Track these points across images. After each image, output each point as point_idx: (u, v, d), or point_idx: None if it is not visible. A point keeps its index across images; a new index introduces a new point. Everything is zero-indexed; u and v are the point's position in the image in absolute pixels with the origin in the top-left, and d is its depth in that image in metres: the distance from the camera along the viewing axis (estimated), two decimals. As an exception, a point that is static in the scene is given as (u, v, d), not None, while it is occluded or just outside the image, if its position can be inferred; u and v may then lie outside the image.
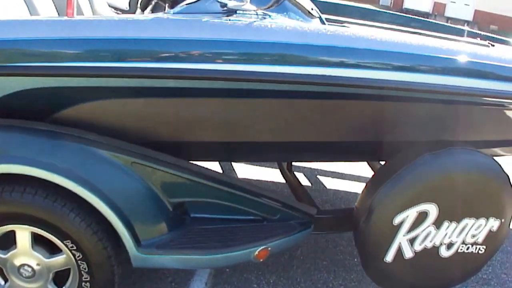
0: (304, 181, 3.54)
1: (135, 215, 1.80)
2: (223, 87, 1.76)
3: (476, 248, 2.04)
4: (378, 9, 3.83)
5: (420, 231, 1.91)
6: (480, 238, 2.02)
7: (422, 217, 1.88)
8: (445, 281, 2.09)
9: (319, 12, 2.15)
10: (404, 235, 1.90)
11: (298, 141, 1.96)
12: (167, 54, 1.68)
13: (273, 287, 2.38)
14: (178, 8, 1.86)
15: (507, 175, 1.99)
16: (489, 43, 3.33)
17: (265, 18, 1.85)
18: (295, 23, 1.86)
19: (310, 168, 3.74)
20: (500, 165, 1.98)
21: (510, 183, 1.99)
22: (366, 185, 1.99)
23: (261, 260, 1.95)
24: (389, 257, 1.94)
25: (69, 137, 1.76)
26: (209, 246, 1.89)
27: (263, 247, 1.92)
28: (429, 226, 1.91)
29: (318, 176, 3.59)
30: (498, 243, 2.07)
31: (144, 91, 1.77)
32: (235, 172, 3.45)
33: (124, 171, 1.81)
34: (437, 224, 1.92)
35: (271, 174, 3.48)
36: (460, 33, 3.55)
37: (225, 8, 1.82)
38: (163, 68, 1.67)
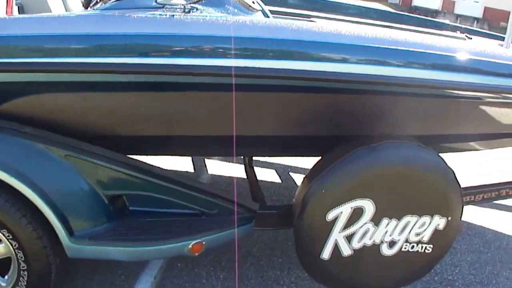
0: (275, 177, 3.50)
1: (68, 207, 1.82)
2: (147, 80, 1.75)
3: (422, 247, 1.94)
4: (364, 5, 3.75)
5: (357, 228, 1.83)
6: (426, 236, 1.92)
7: (357, 213, 1.81)
8: (390, 281, 2.00)
9: (262, 5, 2.10)
10: (339, 232, 1.83)
11: (230, 135, 1.92)
12: (91, 50, 1.70)
13: (222, 283, 2.35)
14: (107, 4, 1.87)
15: (452, 171, 1.89)
16: (466, 36, 3.22)
17: (192, 11, 1.83)
18: (221, 16, 1.84)
19: (284, 165, 3.69)
20: (444, 161, 1.89)
21: (455, 179, 1.89)
22: (303, 180, 1.92)
23: (196, 254, 1.93)
24: (326, 254, 1.87)
25: (3, 130, 1.80)
26: (142, 239, 1.89)
27: (197, 241, 1.89)
28: (366, 223, 1.83)
29: (290, 173, 3.53)
30: (446, 242, 1.97)
31: (74, 85, 1.79)
32: (206, 167, 3.44)
33: (57, 163, 1.84)
34: (376, 221, 1.84)
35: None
36: (440, 26, 3.45)
37: (154, 3, 1.82)
38: (88, 63, 1.69)
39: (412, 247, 1.93)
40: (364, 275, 1.95)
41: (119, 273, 2.34)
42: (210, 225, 1.97)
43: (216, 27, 1.73)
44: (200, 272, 2.39)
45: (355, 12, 3.43)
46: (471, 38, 3.25)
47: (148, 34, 1.71)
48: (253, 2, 2.06)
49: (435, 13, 15.25)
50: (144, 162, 2.04)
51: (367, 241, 1.87)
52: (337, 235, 1.84)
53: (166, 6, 1.82)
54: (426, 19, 3.65)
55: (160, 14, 1.77)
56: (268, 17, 2.10)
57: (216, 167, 3.49)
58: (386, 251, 1.91)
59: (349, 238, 1.86)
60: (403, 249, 1.92)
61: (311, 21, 2.75)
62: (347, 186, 1.76)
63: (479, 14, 18.43)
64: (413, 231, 1.89)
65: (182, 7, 1.82)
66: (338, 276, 1.92)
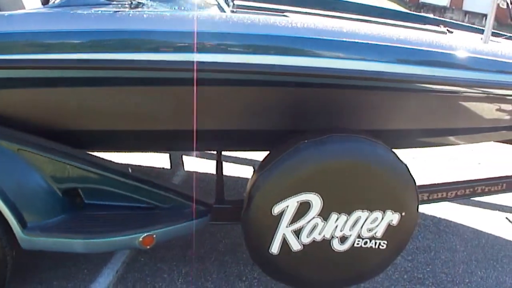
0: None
1: (21, 199, 1.85)
2: (92, 76, 1.76)
3: (375, 243, 1.90)
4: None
5: (305, 222, 1.81)
6: (379, 232, 1.88)
7: (304, 207, 1.78)
8: (344, 277, 1.96)
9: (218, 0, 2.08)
10: (287, 226, 1.81)
11: (176, 129, 1.91)
12: (38, 46, 1.71)
13: (184, 277, 2.34)
14: (58, 1, 1.88)
15: (404, 166, 1.84)
16: (447, 29, 3.15)
17: (139, 7, 1.83)
18: (168, 11, 1.84)
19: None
20: (395, 155, 1.84)
21: (408, 174, 1.84)
22: (252, 174, 1.90)
23: (148, 247, 1.94)
24: (275, 249, 1.85)
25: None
26: (94, 231, 1.91)
27: (147, 234, 1.90)
28: (314, 217, 1.81)
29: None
30: (402, 238, 1.93)
31: (21, 81, 1.81)
32: (182, 164, 3.43)
33: (10, 157, 1.87)
34: (324, 215, 1.81)
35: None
36: (424, 20, 3.38)
37: (102, 0, 1.83)
38: (34, 59, 1.71)
39: (365, 243, 1.89)
40: (317, 271, 1.91)
41: (83, 267, 2.36)
42: (161, 219, 1.97)
43: (158, 22, 1.72)
44: (162, 267, 2.39)
45: (337, 7, 3.39)
46: (452, 32, 3.18)
47: (91, 30, 1.71)
48: None
49: (443, 9, 15.01)
50: (97, 156, 2.05)
51: (317, 236, 1.84)
52: (284, 230, 1.81)
53: (114, 2, 1.83)
54: (409, 13, 3.59)
55: (105, 11, 1.77)
56: (224, 11, 2.08)
57: (194, 163, 3.49)
58: (337, 246, 1.88)
59: (297, 233, 1.83)
60: (355, 245, 1.89)
61: (284, 15, 2.73)
62: (291, 180, 1.74)
63: (487, 10, 18.16)
64: (365, 226, 1.86)
65: (130, 2, 1.83)
66: (289, 271, 1.90)
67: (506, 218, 3.21)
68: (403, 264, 2.60)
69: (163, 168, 3.32)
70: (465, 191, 2.53)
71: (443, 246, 2.81)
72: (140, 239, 1.89)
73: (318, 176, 1.74)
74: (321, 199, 1.76)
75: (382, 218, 1.84)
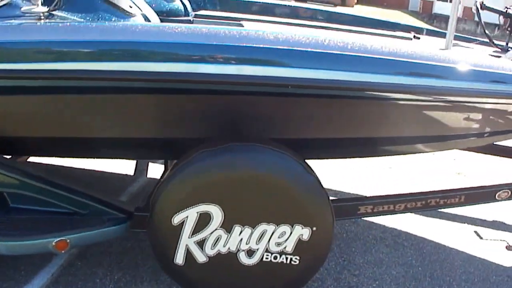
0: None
1: None
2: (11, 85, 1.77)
3: (287, 258, 1.83)
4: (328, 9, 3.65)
5: (208, 234, 1.76)
6: (289, 247, 1.81)
7: (205, 218, 1.74)
8: (258, 291, 1.90)
9: (141, 9, 2.06)
10: (189, 237, 1.77)
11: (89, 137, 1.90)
12: None
13: (116, 283, 2.34)
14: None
15: (314, 178, 1.75)
16: (414, 36, 3.04)
17: (50, 18, 1.85)
18: (79, 22, 1.85)
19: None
20: (303, 167, 1.75)
21: (319, 187, 1.75)
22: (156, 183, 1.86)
23: (62, 251, 1.98)
24: (179, 259, 1.82)
25: None
26: (14, 234, 1.96)
27: (61, 238, 1.92)
28: (216, 229, 1.76)
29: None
30: (316, 254, 1.85)
31: None
32: (146, 170, 3.42)
33: None
34: (227, 228, 1.76)
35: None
36: (393, 27, 3.28)
37: (18, 12, 1.85)
38: None
39: (275, 257, 1.82)
40: (226, 284, 1.86)
41: (21, 268, 2.40)
42: (77, 224, 1.98)
43: (64, 31, 1.73)
44: (96, 272, 2.40)
45: (308, 16, 3.32)
46: (418, 38, 3.06)
47: (14, 41, 1.70)
48: (130, 7, 2.05)
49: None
50: (17, 161, 2.09)
51: (222, 249, 1.80)
52: (187, 240, 1.77)
53: (28, 14, 1.85)
54: (379, 20, 3.48)
55: (14, 22, 1.79)
56: (149, 20, 2.06)
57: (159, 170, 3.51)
58: (245, 260, 1.82)
59: (201, 244, 1.79)
60: (264, 259, 1.82)
61: (239, 24, 2.69)
62: (189, 190, 1.70)
63: (501, 21, 17.68)
64: (273, 240, 1.79)
65: (43, 14, 1.84)
66: (197, 282, 1.86)
67: (475, 231, 3.04)
68: (348, 278, 2.49)
69: (126, 174, 3.34)
70: (415, 204, 2.39)
71: (397, 261, 2.67)
72: (54, 243, 1.91)
73: (216, 187, 1.69)
74: (222, 210, 1.71)
75: (291, 233, 1.77)
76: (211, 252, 1.79)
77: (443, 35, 3.41)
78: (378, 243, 2.81)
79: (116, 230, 1.98)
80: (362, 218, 2.76)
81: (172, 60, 1.67)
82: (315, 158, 2.38)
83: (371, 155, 2.39)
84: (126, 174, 3.36)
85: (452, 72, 2.05)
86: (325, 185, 3.69)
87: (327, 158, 2.54)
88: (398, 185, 3.60)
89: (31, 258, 2.49)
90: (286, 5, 3.52)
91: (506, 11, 3.15)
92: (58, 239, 1.91)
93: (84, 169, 3.28)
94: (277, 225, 1.76)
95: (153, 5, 2.73)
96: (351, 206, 2.30)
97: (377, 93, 1.94)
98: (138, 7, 2.09)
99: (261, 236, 1.78)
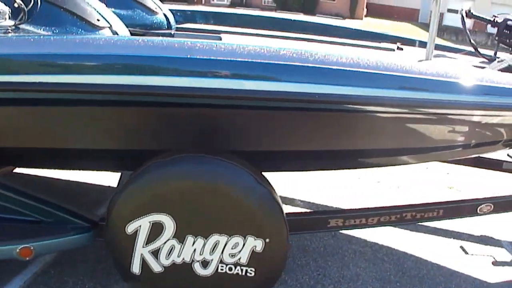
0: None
1: None
2: None
3: (242, 269, 1.82)
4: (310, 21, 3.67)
5: (161, 243, 1.77)
6: (243, 258, 1.80)
7: (157, 228, 1.74)
8: (216, 303, 1.87)
9: (109, 22, 2.11)
10: (144, 247, 1.78)
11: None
12: None
13: (85, 292, 2.36)
14: None
15: (266, 190, 1.75)
16: (398, 47, 3.03)
17: (17, 32, 1.91)
18: (39, 34, 1.91)
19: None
20: (256, 178, 1.75)
21: (271, 199, 1.75)
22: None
23: (27, 258, 2.00)
24: (136, 268, 1.83)
25: None
26: None
27: (24, 246, 1.95)
28: (169, 239, 1.76)
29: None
30: (271, 266, 1.82)
31: None
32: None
33: None
34: (179, 238, 1.77)
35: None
36: (381, 38, 3.27)
37: None
38: None
39: (230, 269, 1.81)
40: (184, 294, 1.85)
41: (-5, 275, 2.46)
42: (41, 232, 2.01)
43: (26, 44, 1.76)
44: (68, 280, 2.42)
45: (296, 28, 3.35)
46: (402, 49, 3.03)
47: None
48: (98, 20, 2.10)
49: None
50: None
51: (176, 259, 1.80)
52: (142, 250, 1.78)
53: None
54: (365, 31, 3.48)
55: None
56: (117, 34, 2.11)
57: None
58: (200, 270, 1.81)
59: (155, 254, 1.79)
60: (219, 270, 1.81)
61: (218, 37, 2.73)
62: (140, 200, 1.72)
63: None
64: (226, 251, 1.78)
65: (10, 28, 1.90)
66: (153, 292, 1.85)
67: (461, 247, 2.94)
68: (321, 293, 2.46)
69: (109, 186, 3.38)
70: (390, 218, 2.34)
71: (374, 276, 2.61)
72: (18, 250, 1.94)
73: (166, 197, 1.70)
74: (174, 221, 1.72)
75: (244, 244, 1.76)
76: (166, 262, 1.80)
77: (438, 47, 3.39)
78: (356, 257, 2.75)
79: (81, 239, 2.00)
80: (333, 231, 2.71)
81: (123, 73, 1.69)
82: (282, 170, 2.37)
83: (342, 168, 2.35)
84: (109, 186, 3.41)
85: (424, 83, 2.02)
86: (314, 196, 3.63)
87: (296, 170, 2.52)
88: (386, 198, 3.54)
89: (8, 265, 2.54)
90: (276, 18, 3.56)
91: (494, 19, 3.09)
92: (21, 246, 1.94)
93: (68, 180, 3.34)
94: (230, 236, 1.76)
95: (136, 18, 2.81)
96: (320, 219, 2.28)
97: (342, 105, 1.92)
98: (107, 20, 2.16)
99: (214, 247, 1.77)
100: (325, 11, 27.04)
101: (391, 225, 2.65)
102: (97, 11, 2.07)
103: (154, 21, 2.83)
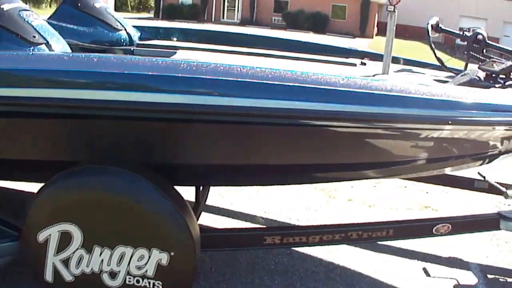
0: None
1: None
2: None
3: (149, 282, 1.83)
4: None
5: (71, 253, 1.82)
6: (150, 271, 1.82)
7: (66, 238, 1.80)
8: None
9: (47, 38, 2.21)
10: (55, 255, 1.83)
11: None
12: None
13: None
14: None
15: (169, 202, 1.76)
16: (361, 62, 3.01)
17: None
18: None
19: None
20: (160, 191, 1.77)
21: (175, 212, 1.76)
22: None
23: None
24: (48, 277, 1.88)
25: None
26: None
27: None
28: (78, 249, 1.81)
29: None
30: (178, 279, 1.82)
31: None
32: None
33: None
34: (87, 248, 1.81)
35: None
36: (348, 53, 3.25)
37: None
38: None
39: (138, 281, 1.83)
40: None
41: None
42: None
43: None
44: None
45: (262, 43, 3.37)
46: (365, 64, 2.99)
47: None
48: (34, 36, 2.18)
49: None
50: None
51: (85, 269, 1.84)
52: (53, 258, 1.84)
53: None
54: (335, 46, 3.47)
55: None
56: (52, 49, 2.21)
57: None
58: (109, 282, 1.85)
59: (66, 263, 1.84)
60: (128, 282, 1.84)
61: (173, 53, 2.80)
62: (49, 209, 1.78)
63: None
64: (133, 263, 1.80)
65: None
66: (70, 301, 1.89)
67: (424, 269, 2.79)
68: (260, 313, 2.40)
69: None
70: (333, 237, 2.28)
71: (317, 297, 2.53)
72: None
73: (72, 207, 1.76)
74: (80, 230, 1.77)
75: (150, 256, 1.78)
76: (76, 272, 1.84)
77: (409, 63, 3.32)
78: (307, 276, 2.67)
79: (8, 247, 2.02)
80: (271, 248, 2.63)
81: (30, 86, 1.76)
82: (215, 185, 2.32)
83: (282, 183, 2.32)
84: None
85: (370, 98, 1.96)
86: (280, 216, 3.52)
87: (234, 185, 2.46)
88: (355, 216, 3.43)
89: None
90: (248, 34, 3.60)
91: (463, 33, 2.99)
92: None
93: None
94: (135, 248, 1.78)
95: (98, 35, 2.95)
96: (256, 235, 2.25)
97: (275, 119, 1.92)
98: (44, 36, 2.22)
99: (120, 259, 1.80)
100: (336, 30, 27.01)
101: (335, 244, 2.57)
102: (35, 28, 2.19)
103: (116, 38, 2.95)
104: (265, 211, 3.39)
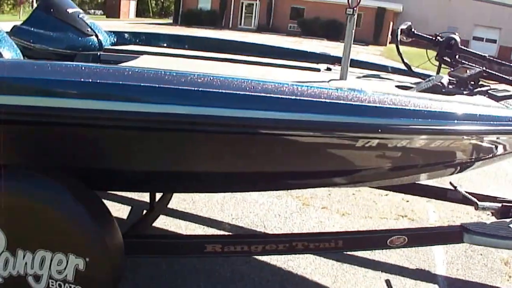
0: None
1: None
2: None
3: (70, 287, 1.80)
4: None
5: None
6: (69, 276, 1.79)
7: None
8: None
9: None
10: (-16, 258, 1.83)
11: None
12: None
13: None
14: None
15: (83, 207, 1.75)
16: (327, 67, 2.97)
17: None
18: None
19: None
20: (73, 195, 1.76)
21: (87, 217, 1.74)
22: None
23: None
24: (-21, 279, 1.87)
25: None
26: None
27: None
28: (3, 251, 1.80)
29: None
30: (96, 285, 1.79)
31: None
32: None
33: None
34: (11, 250, 1.79)
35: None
36: (318, 58, 3.20)
37: None
38: None
39: (60, 285, 1.81)
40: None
41: None
42: None
43: None
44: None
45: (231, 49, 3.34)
46: (330, 70, 2.94)
47: None
48: None
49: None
50: None
51: (12, 271, 1.82)
52: (-17, 261, 1.84)
53: None
54: (306, 51, 3.42)
55: None
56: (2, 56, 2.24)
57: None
58: (34, 284, 1.82)
59: None
60: (51, 286, 1.81)
61: (137, 57, 2.81)
62: None
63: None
64: (53, 267, 1.78)
65: None
66: (-3, 303, 1.90)
67: (387, 281, 2.67)
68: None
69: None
70: (277, 247, 2.21)
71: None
72: None
73: None
74: (3, 234, 1.77)
75: (67, 261, 1.76)
76: (4, 274, 1.83)
77: (392, 70, 3.23)
78: (261, 285, 2.59)
79: None
80: (211, 257, 2.53)
81: None
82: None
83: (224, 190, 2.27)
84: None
85: (297, 104, 1.89)
86: (250, 223, 3.43)
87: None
88: (324, 224, 3.32)
89: None
90: (218, 39, 3.57)
91: (435, 38, 2.89)
92: None
93: None
94: (53, 253, 1.77)
95: (68, 40, 2.98)
96: (196, 243, 2.21)
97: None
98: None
99: (42, 262, 1.78)
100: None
101: (279, 255, 2.49)
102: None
103: (85, 43, 2.98)
104: (233, 218, 3.35)
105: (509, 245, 2.29)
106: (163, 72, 1.81)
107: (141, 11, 40.62)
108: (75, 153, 1.90)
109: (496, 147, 2.30)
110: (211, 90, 1.79)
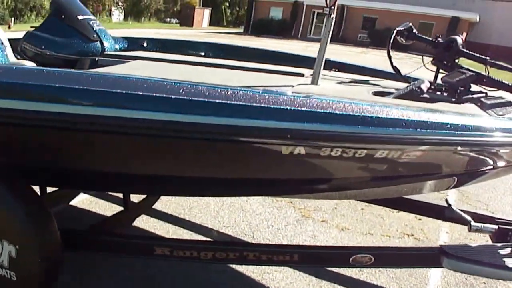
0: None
1: None
2: None
3: (6, 272, 1.85)
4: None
5: None
6: (5, 261, 1.83)
7: None
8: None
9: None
10: None
11: None
12: None
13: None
14: None
15: (13, 196, 1.77)
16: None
17: None
18: None
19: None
20: (8, 187, 1.77)
21: (15, 205, 1.77)
22: None
23: None
24: None
25: None
26: None
27: None
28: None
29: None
30: (28, 273, 1.81)
31: None
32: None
33: None
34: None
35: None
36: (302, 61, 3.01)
37: None
38: None
39: (-2, 269, 1.86)
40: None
41: None
42: None
43: None
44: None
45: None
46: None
47: None
48: None
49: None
50: None
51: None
52: None
53: None
54: (294, 55, 3.26)
55: None
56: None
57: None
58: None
59: None
60: (-9, 269, 1.87)
61: (127, 61, 2.84)
62: None
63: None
64: (-8, 252, 1.84)
65: None
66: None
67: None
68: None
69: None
70: (227, 255, 2.09)
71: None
72: None
73: None
74: None
75: (2, 247, 1.81)
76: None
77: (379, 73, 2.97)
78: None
79: None
80: (161, 259, 2.38)
81: None
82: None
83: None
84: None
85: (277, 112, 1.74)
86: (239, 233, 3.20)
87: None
88: (318, 238, 3.09)
89: None
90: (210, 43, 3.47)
91: (435, 40, 2.55)
92: None
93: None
94: (-9, 238, 1.82)
95: (74, 45, 3.10)
96: (146, 244, 2.17)
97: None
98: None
99: (-18, 246, 1.85)
100: (419, 48, 24.69)
101: (230, 263, 2.32)
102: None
103: (88, 49, 3.05)
104: (224, 225, 3.24)
105: (493, 274, 1.94)
106: (131, 78, 1.81)
107: (215, 20, 41.99)
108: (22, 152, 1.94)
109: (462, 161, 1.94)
110: (172, 96, 1.73)
